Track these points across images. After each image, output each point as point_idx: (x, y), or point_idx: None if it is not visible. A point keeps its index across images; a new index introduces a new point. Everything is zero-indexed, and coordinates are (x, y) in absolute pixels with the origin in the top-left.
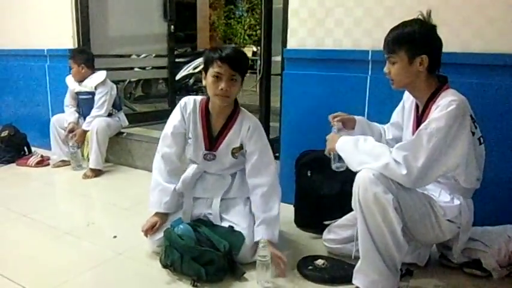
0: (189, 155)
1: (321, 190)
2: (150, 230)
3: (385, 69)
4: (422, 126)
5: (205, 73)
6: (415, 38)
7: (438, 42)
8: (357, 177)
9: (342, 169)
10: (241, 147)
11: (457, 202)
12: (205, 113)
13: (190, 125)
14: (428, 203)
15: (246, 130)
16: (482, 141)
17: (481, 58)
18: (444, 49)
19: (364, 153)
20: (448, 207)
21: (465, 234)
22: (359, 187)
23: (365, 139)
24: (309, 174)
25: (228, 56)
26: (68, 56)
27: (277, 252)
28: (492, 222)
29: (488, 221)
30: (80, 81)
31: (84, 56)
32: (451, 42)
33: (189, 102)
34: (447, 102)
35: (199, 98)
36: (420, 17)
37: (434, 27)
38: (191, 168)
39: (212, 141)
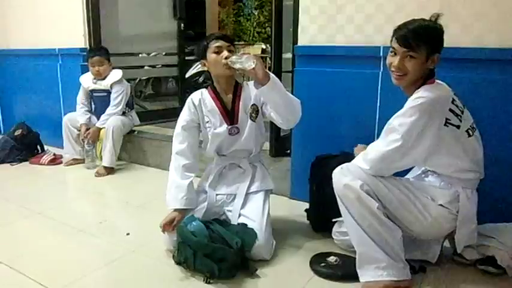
0: (211, 146)
1: (327, 202)
2: (168, 226)
3: (397, 63)
4: (389, 121)
5: (206, 59)
6: (437, 35)
7: None
8: (332, 175)
9: None
10: (256, 107)
11: (453, 189)
12: (215, 93)
13: (203, 111)
14: (407, 189)
15: (254, 88)
16: (471, 133)
17: (494, 53)
18: (456, 44)
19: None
20: (440, 191)
21: (465, 225)
22: (334, 183)
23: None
24: (314, 188)
25: (220, 34)
26: (91, 55)
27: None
28: (498, 219)
29: (495, 218)
30: (102, 78)
31: (109, 53)
32: (464, 36)
33: (195, 95)
34: (413, 98)
35: (203, 89)
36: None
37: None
38: (214, 163)
39: (230, 115)
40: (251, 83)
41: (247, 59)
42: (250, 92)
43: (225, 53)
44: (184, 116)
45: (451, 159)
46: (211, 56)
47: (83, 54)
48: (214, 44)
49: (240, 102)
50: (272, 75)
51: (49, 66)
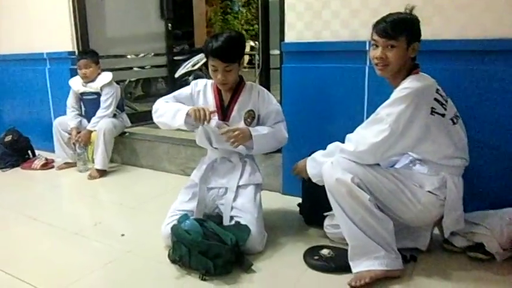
0: (201, 134)
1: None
2: (207, 111)
3: (379, 54)
4: (376, 111)
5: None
6: (414, 24)
7: None
8: (322, 171)
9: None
10: (252, 113)
11: (440, 176)
12: (217, 88)
13: (200, 99)
14: (396, 178)
15: (257, 95)
16: (455, 121)
17: (476, 44)
18: (440, 36)
19: (323, 157)
20: (427, 178)
21: (452, 211)
22: (325, 178)
23: (319, 152)
24: (307, 183)
25: (217, 51)
26: (78, 58)
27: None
28: (485, 207)
29: (482, 206)
30: (91, 81)
31: (97, 56)
32: (447, 29)
33: (200, 82)
34: (400, 89)
35: (210, 80)
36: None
37: None
38: (207, 156)
39: (224, 111)
40: (257, 87)
41: (229, 143)
42: (251, 96)
43: (219, 76)
44: (182, 91)
45: (437, 146)
46: (209, 66)
47: (71, 57)
48: (211, 62)
49: (237, 103)
50: (254, 133)
51: (37, 70)
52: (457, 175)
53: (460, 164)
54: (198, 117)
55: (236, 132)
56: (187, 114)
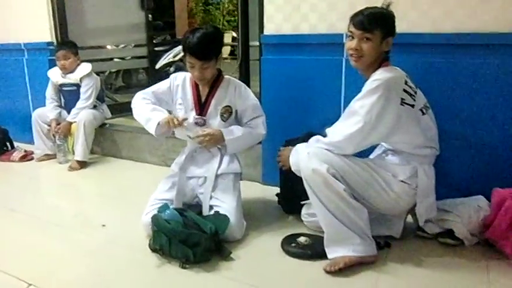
0: (178, 127)
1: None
2: (177, 121)
3: (354, 45)
4: (349, 104)
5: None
6: (389, 20)
7: None
8: (299, 161)
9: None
10: (229, 108)
11: (412, 165)
12: (195, 82)
13: (179, 93)
14: (370, 168)
15: (233, 90)
16: (425, 112)
17: (450, 38)
18: (415, 30)
19: (302, 148)
20: (400, 168)
21: (424, 198)
22: (302, 168)
23: (302, 144)
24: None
25: (193, 49)
26: (57, 49)
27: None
28: (455, 195)
29: (452, 194)
30: (70, 72)
31: (76, 47)
32: (422, 23)
33: (179, 75)
34: (370, 81)
35: (188, 74)
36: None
37: None
38: (187, 147)
39: (201, 105)
40: (235, 82)
41: (200, 142)
42: (228, 91)
43: (196, 73)
44: (161, 85)
45: (409, 136)
46: (187, 62)
47: (49, 48)
48: (188, 59)
49: (213, 98)
50: (227, 136)
51: (15, 61)
52: (428, 164)
53: (430, 154)
54: (171, 126)
55: (207, 138)
56: (158, 125)
